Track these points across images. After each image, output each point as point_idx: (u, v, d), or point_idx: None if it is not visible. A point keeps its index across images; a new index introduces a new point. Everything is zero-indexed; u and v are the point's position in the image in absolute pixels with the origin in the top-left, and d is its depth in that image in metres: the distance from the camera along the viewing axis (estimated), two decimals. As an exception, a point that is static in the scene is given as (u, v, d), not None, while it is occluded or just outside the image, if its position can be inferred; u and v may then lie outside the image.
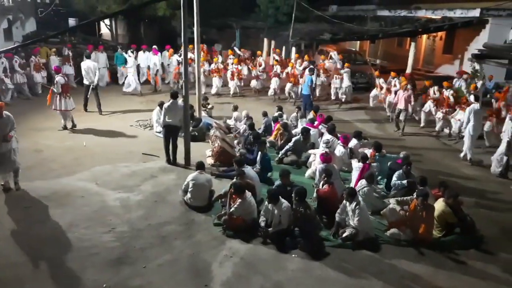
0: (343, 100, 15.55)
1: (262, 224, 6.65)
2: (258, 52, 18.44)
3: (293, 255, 6.20)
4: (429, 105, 12.58)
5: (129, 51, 17.11)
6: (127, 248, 6.21)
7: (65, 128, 11.60)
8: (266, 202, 6.77)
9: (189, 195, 7.45)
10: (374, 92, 14.88)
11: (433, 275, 5.90)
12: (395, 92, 13.07)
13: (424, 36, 21.92)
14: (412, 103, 12.38)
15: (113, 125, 12.24)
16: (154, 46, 17.70)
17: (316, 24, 22.32)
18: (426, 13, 20.40)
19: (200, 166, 7.67)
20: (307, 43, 20.99)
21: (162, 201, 7.70)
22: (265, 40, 25.01)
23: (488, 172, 9.71)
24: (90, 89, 13.35)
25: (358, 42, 26.90)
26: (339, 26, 20.81)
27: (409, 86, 12.32)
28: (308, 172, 8.94)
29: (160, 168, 9.21)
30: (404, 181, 7.75)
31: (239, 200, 6.63)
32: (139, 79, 17.40)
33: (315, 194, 7.31)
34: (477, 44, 15.45)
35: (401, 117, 12.40)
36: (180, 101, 9.50)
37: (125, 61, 16.73)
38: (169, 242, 6.42)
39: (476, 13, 17.41)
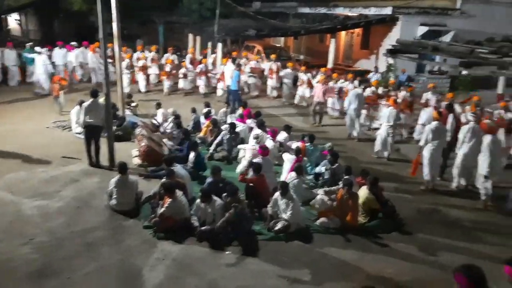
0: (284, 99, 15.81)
1: (195, 223, 6.54)
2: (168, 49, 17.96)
3: (227, 252, 6.18)
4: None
5: (37, 48, 15.92)
6: (49, 258, 5.77)
7: None
8: (198, 201, 6.68)
9: (114, 201, 7.09)
10: (300, 90, 15.19)
11: (360, 259, 6.20)
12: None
13: (343, 33, 22.96)
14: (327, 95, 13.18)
15: (27, 127, 11.31)
16: (73, 43, 16.67)
17: (241, 20, 22.41)
18: (344, 11, 21.38)
19: (122, 167, 7.23)
20: (233, 39, 21.01)
21: (86, 207, 7.27)
22: (190, 36, 24.59)
23: (405, 158, 10.44)
24: None
25: (283, 38, 27.48)
26: (263, 22, 21.08)
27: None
28: (240, 167, 8.96)
29: (82, 171, 8.70)
30: (323, 168, 8.13)
31: (170, 200, 6.45)
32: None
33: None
34: (391, 40, 16.46)
35: (318, 109, 12.98)
36: (101, 99, 9.04)
37: (33, 60, 15.55)
38: (95, 249, 6.08)
39: (388, 11, 18.59)
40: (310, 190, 7.87)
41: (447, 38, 17.72)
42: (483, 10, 18.67)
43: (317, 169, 8.38)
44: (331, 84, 13.86)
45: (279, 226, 6.57)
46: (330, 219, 6.88)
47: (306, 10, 24.18)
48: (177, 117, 10.73)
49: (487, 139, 7.76)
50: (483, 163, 7.79)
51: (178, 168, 7.56)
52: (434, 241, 6.77)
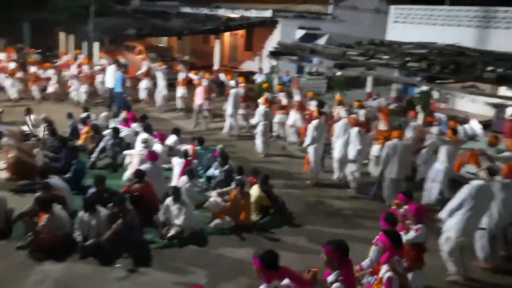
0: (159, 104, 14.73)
1: (79, 238, 6.02)
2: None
3: (117, 265, 5.81)
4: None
5: None
6: None
7: None
8: (81, 213, 6.17)
9: (-24, 222, 6.16)
10: (181, 91, 14.46)
11: (254, 256, 6.32)
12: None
13: (227, 34, 23.28)
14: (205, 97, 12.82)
15: None
16: None
17: (119, 19, 21.33)
18: (226, 12, 21.70)
19: None
20: (111, 38, 19.89)
21: None
22: (62, 35, 22.62)
23: (291, 155, 10.93)
24: None
25: (166, 38, 26.88)
26: (144, 22, 20.37)
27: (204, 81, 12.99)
28: (127, 175, 8.48)
29: None
30: (217, 171, 8.15)
31: (47, 216, 5.82)
32: None
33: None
34: (272, 42, 17.20)
35: (200, 113, 12.83)
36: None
37: None
38: (-45, 281, 5.21)
39: (268, 13, 19.37)
40: (203, 193, 7.80)
41: (322, 41, 19.10)
42: (352, 16, 20.58)
43: (209, 173, 8.34)
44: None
45: (172, 232, 6.39)
46: (224, 220, 6.91)
47: (188, 10, 23.98)
48: (49, 124, 9.74)
49: (354, 131, 8.49)
50: (351, 151, 8.55)
51: (54, 179, 6.89)
52: (320, 231, 7.20)
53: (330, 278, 3.74)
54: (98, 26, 18.38)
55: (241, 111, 12.53)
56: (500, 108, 12.57)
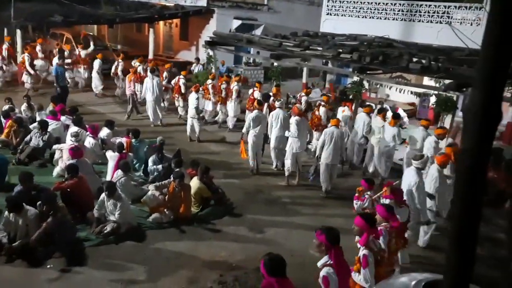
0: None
1: (4, 239, 5.64)
2: None
3: (48, 266, 5.52)
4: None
5: None
6: None
7: None
8: (6, 213, 5.78)
9: None
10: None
11: (194, 248, 6.29)
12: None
13: (161, 23, 22.64)
14: (133, 87, 12.62)
15: None
16: None
17: (44, 4, 19.89)
18: (160, 0, 21.07)
19: None
20: (35, 25, 18.51)
21: None
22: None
23: (230, 147, 10.92)
24: None
25: (96, 26, 25.57)
26: (71, 8, 19.16)
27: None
28: (57, 170, 8.05)
29: None
30: (159, 166, 7.95)
31: (-34, 218, 5.36)
32: None
33: None
34: (208, 32, 16.93)
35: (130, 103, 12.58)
36: None
37: None
38: None
39: (203, 2, 19.08)
40: (140, 187, 7.59)
41: (258, 31, 19.18)
42: (287, 7, 20.87)
43: (149, 168, 8.13)
44: None
45: (108, 229, 6.17)
46: (163, 214, 6.78)
47: (120, -3, 22.94)
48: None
49: (294, 119, 8.62)
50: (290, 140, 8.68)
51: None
52: (260, 220, 7.32)
53: (320, 262, 3.88)
54: (20, 12, 16.99)
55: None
56: (424, 97, 13.45)
